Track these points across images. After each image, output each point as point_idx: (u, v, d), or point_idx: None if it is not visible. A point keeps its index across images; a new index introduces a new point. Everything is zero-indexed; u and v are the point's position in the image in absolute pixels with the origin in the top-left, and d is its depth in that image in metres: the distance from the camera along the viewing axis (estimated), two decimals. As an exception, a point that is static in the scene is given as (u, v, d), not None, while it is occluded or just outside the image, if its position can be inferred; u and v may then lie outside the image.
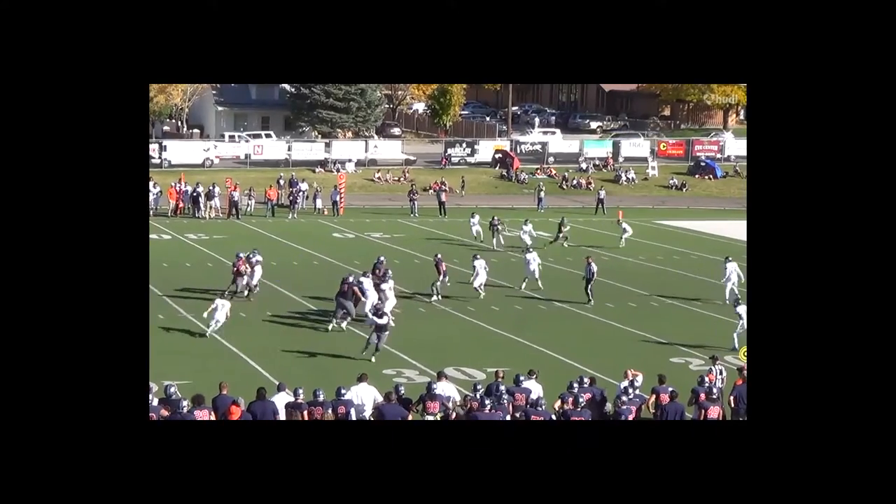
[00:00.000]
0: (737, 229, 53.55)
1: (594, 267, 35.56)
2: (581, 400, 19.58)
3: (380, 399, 19.55)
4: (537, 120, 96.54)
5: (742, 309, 28.98)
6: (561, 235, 47.13)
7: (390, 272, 32.94)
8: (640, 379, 21.06)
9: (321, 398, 19.18)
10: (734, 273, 35.94)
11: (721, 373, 23.06)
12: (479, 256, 36.86)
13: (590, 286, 35.25)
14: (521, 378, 20.89)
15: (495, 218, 48.59)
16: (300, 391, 19.43)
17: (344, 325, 30.43)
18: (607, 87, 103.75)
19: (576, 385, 20.50)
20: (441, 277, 35.35)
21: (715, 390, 20.31)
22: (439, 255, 36.51)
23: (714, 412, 19.71)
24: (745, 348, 24.13)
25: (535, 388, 20.77)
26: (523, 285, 37.26)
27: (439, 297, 34.91)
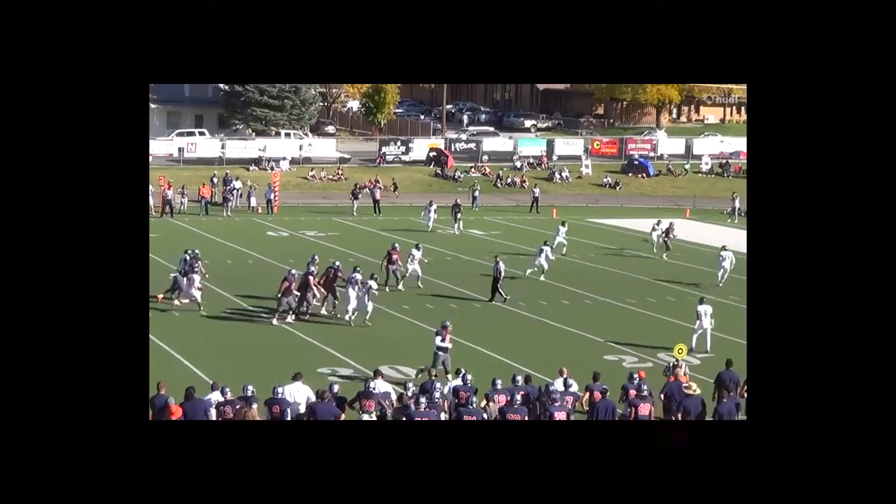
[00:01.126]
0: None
1: (502, 266, 35.57)
2: (517, 397, 19.73)
3: (313, 398, 19.57)
4: (465, 118, 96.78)
5: (702, 308, 29.31)
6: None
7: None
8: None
9: (250, 394, 19.20)
10: (727, 260, 38.49)
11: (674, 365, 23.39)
12: (419, 247, 37.78)
13: (498, 284, 35.29)
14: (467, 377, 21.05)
15: (458, 199, 52.58)
16: (227, 389, 19.46)
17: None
18: (541, 85, 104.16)
19: (500, 382, 20.68)
20: (392, 267, 36.12)
21: (645, 388, 20.52)
22: (396, 245, 37.20)
23: (645, 409, 19.94)
24: (680, 346, 24.47)
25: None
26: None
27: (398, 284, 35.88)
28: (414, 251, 37.44)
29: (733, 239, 45.16)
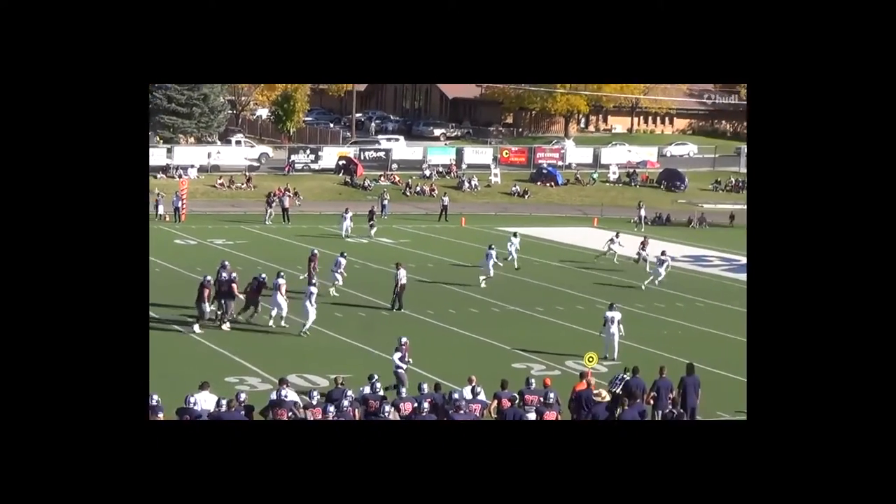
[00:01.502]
0: (577, 236, 54.63)
1: (401, 273, 35.37)
2: (424, 405, 19.76)
3: (223, 406, 19.43)
4: (373, 126, 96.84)
5: (611, 314, 29.55)
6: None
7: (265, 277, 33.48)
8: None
9: (154, 403, 19.07)
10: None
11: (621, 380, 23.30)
12: (345, 255, 38.17)
13: (397, 292, 35.23)
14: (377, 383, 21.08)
15: (374, 206, 54.40)
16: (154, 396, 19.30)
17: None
18: (451, 94, 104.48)
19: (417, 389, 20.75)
20: (313, 272, 36.28)
21: (552, 395, 20.65)
22: (315, 251, 37.27)
23: (551, 417, 20.07)
24: (590, 354, 24.67)
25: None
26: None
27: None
28: (340, 259, 37.44)
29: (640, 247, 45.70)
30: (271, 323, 31.83)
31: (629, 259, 46.29)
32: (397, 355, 25.19)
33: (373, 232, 52.25)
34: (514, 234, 45.67)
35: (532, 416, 19.93)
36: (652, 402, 21.97)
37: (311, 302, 31.21)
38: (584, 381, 22.03)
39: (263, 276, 33.22)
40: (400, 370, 24.81)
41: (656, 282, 41.02)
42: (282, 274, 32.79)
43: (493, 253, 40.82)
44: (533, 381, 21.68)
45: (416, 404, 19.91)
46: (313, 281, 33.17)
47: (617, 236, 47.49)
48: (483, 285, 39.85)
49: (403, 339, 25.72)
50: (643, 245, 46.10)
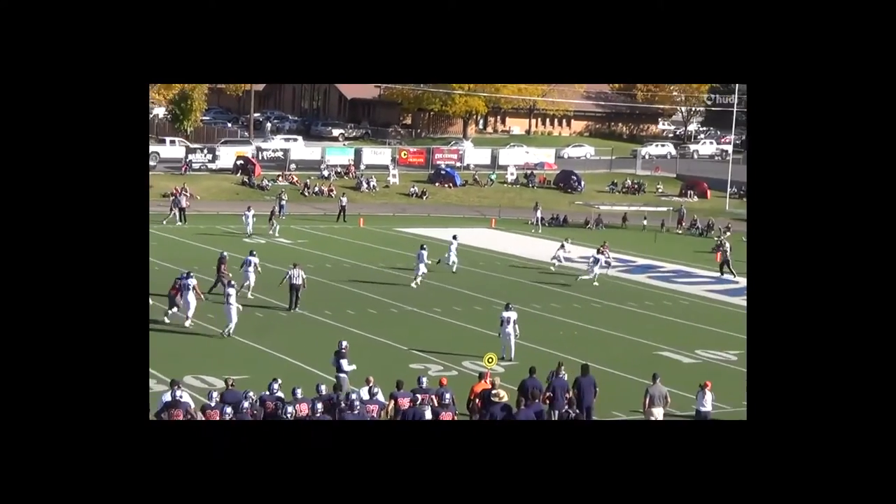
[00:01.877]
0: (475, 237, 54.85)
1: (294, 273, 35.45)
2: (318, 406, 19.70)
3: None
4: (269, 126, 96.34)
5: (507, 314, 29.69)
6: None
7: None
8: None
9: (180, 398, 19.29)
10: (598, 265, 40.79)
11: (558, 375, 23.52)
12: (254, 253, 38.07)
13: (297, 292, 35.26)
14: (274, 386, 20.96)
15: (274, 207, 55.44)
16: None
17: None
18: (350, 94, 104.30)
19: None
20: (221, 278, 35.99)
21: (448, 396, 20.71)
22: (225, 254, 37.38)
23: (447, 417, 20.13)
24: (489, 355, 24.79)
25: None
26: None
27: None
28: (250, 258, 37.28)
29: (536, 249, 46.04)
30: (187, 323, 31.74)
31: (576, 268, 46.45)
32: (342, 361, 25.06)
33: (274, 231, 52.31)
34: (454, 237, 45.86)
35: (428, 416, 19.98)
36: (548, 402, 22.16)
37: (231, 303, 31.17)
38: (484, 382, 22.16)
39: (185, 273, 33.16)
40: (342, 375, 24.60)
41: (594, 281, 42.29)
42: (191, 274, 32.87)
43: (425, 253, 41.01)
44: (425, 379, 21.76)
45: (310, 405, 19.82)
46: (231, 283, 33.13)
47: (566, 242, 47.46)
48: (414, 286, 40.12)
49: (344, 343, 25.60)
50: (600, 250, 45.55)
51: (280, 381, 21.27)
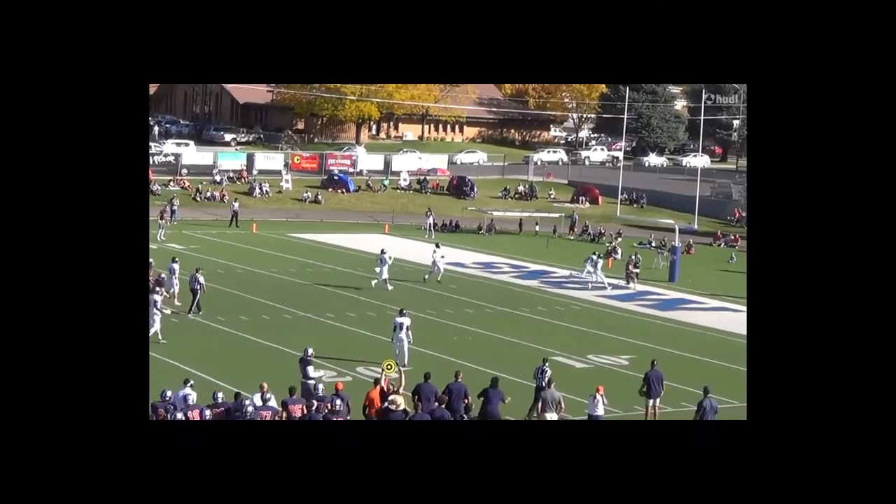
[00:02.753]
0: (368, 242, 54.84)
1: (195, 277, 35.59)
2: (206, 413, 19.60)
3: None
4: (157, 130, 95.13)
5: (400, 319, 29.68)
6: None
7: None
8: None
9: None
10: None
11: (544, 373, 24.53)
12: (176, 259, 38.10)
13: (197, 298, 35.28)
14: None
15: (163, 211, 55.40)
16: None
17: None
18: (242, 98, 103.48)
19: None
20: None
21: (339, 402, 20.70)
22: (151, 261, 37.06)
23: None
24: (388, 361, 24.77)
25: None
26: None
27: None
28: (173, 265, 37.16)
29: (429, 255, 46.05)
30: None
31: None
32: (309, 368, 24.90)
33: (161, 236, 51.78)
34: (438, 245, 46.15)
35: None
36: (444, 404, 22.24)
37: (156, 309, 31.17)
38: (379, 387, 22.18)
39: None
40: (310, 381, 24.32)
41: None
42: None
43: (387, 257, 41.62)
44: (321, 387, 21.72)
45: (201, 413, 19.72)
46: (157, 289, 32.94)
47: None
48: (373, 285, 41.28)
49: (310, 350, 25.52)
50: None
51: (192, 382, 21.20)
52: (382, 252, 42.19)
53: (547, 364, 25.31)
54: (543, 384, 24.14)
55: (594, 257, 45.99)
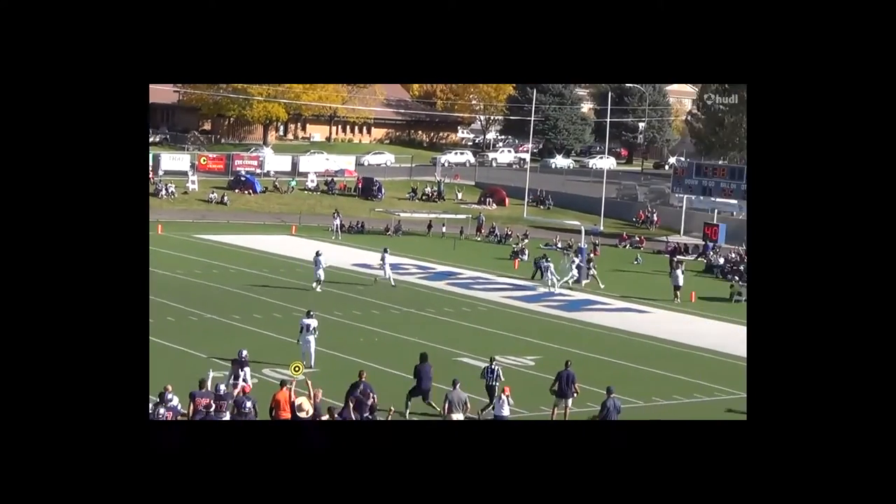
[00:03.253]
0: (275, 244, 54.56)
1: None
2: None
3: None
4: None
5: (307, 321, 29.54)
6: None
7: None
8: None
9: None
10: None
11: (493, 372, 25.28)
12: None
13: None
14: None
15: None
16: None
17: None
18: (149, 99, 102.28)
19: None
20: None
21: (248, 404, 20.70)
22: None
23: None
24: (296, 363, 24.70)
25: None
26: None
27: None
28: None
29: (336, 256, 46.04)
30: None
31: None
32: (247, 370, 24.70)
33: None
34: (385, 250, 45.93)
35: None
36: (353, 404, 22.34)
37: None
38: (285, 389, 22.16)
39: None
40: (241, 383, 24.16)
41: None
42: None
43: (322, 259, 42.09)
44: (223, 387, 21.68)
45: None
46: None
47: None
48: (318, 290, 41.56)
49: (244, 353, 25.36)
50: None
51: None
52: (318, 254, 42.64)
53: (496, 363, 25.79)
54: (494, 383, 24.95)
55: (545, 262, 46.23)
